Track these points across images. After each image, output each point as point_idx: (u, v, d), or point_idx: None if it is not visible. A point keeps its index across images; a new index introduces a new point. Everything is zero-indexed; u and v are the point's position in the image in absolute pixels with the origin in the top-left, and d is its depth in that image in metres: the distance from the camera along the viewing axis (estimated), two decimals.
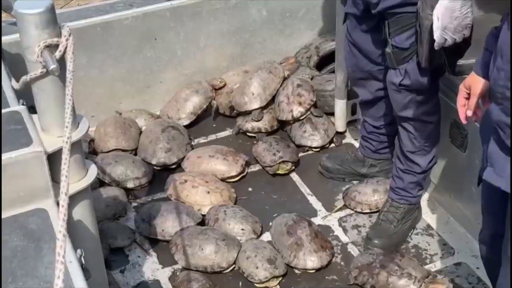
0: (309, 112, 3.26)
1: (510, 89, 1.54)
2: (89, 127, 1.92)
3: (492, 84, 1.60)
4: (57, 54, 1.70)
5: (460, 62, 2.51)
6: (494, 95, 1.60)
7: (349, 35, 2.69)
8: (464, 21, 2.08)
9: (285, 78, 3.41)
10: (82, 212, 1.96)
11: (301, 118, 3.25)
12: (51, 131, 1.84)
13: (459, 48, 2.21)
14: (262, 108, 3.34)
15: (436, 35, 2.10)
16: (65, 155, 1.30)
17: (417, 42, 2.26)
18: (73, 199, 1.90)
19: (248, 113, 3.35)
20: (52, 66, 1.65)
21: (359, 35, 2.63)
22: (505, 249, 1.78)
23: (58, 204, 1.81)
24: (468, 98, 1.82)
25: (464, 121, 1.85)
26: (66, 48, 1.70)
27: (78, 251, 1.67)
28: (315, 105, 3.30)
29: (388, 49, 2.39)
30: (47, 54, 1.68)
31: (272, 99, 3.37)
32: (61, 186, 1.25)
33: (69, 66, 1.59)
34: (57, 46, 1.70)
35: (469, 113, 1.81)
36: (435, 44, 2.13)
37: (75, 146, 1.86)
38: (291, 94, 3.27)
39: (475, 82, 1.78)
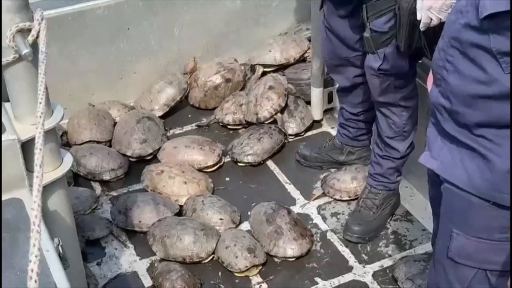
0: (275, 115, 3.19)
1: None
2: (64, 115, 1.88)
3: (433, 65, 1.61)
4: (30, 38, 1.65)
5: None
6: (435, 76, 1.61)
7: (326, 21, 2.67)
8: (448, 0, 2.07)
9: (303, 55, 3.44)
10: (58, 202, 1.92)
11: (266, 122, 3.20)
12: (24, 119, 1.79)
13: (439, 30, 2.19)
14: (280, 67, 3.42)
15: (421, 15, 2.09)
16: (39, 130, 1.27)
17: (396, 25, 2.25)
18: (49, 188, 1.85)
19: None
20: (25, 50, 1.61)
21: (336, 21, 2.62)
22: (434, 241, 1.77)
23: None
24: None
25: None
26: (38, 32, 1.66)
27: (55, 240, 1.63)
28: (283, 110, 3.24)
29: (366, 34, 2.37)
30: (19, 38, 1.64)
31: (286, 67, 3.44)
32: (35, 159, 1.21)
33: (42, 47, 1.55)
34: (29, 30, 1.66)
35: None
36: (421, 25, 2.11)
37: (49, 134, 1.81)
38: (260, 96, 3.22)
39: None
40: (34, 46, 1.66)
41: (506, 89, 1.43)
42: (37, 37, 1.65)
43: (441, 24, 2.15)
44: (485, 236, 1.60)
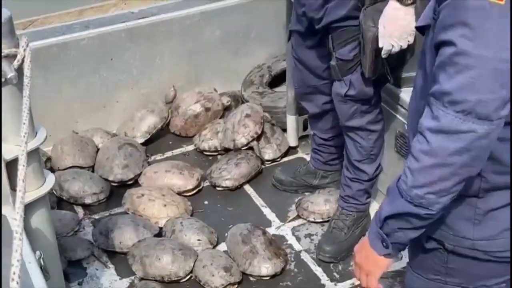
0: (251, 142, 3.31)
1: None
2: (46, 136, 1.99)
3: None
4: (15, 63, 1.76)
5: (403, 75, 2.66)
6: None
7: (294, 52, 2.81)
8: (408, 28, 2.23)
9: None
10: (40, 220, 2.00)
11: (243, 148, 3.32)
12: (9, 140, 1.89)
13: (401, 57, 2.35)
14: None
15: (383, 42, 2.24)
16: (22, 148, 1.38)
17: (361, 53, 2.39)
18: (31, 207, 1.94)
19: None
20: (10, 74, 1.72)
21: (304, 52, 2.75)
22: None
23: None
24: None
25: None
26: (24, 58, 1.78)
27: (37, 252, 1.73)
28: (259, 137, 3.36)
29: (333, 62, 2.52)
30: (5, 63, 1.75)
31: None
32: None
33: (27, 72, 1.67)
34: (15, 56, 1.78)
35: None
36: (383, 51, 2.26)
37: (33, 155, 1.91)
38: (237, 123, 3.35)
39: None
40: (19, 71, 1.78)
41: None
42: (22, 62, 1.77)
43: (403, 51, 2.31)
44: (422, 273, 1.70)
